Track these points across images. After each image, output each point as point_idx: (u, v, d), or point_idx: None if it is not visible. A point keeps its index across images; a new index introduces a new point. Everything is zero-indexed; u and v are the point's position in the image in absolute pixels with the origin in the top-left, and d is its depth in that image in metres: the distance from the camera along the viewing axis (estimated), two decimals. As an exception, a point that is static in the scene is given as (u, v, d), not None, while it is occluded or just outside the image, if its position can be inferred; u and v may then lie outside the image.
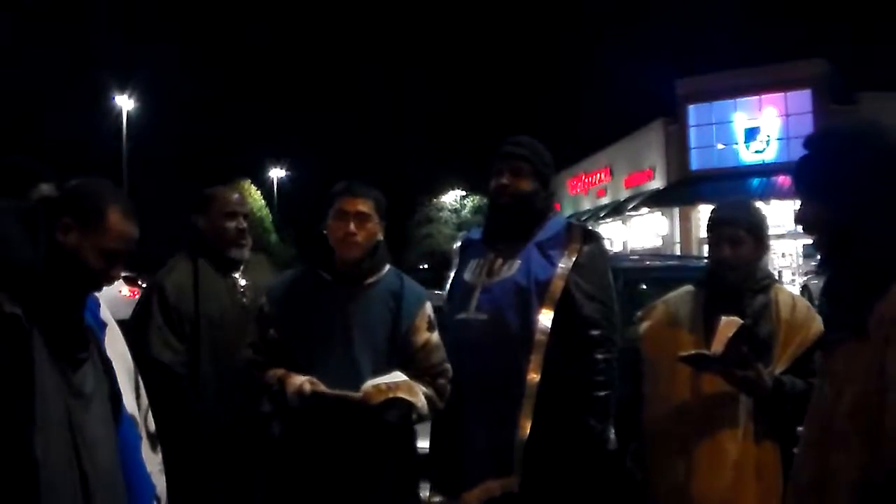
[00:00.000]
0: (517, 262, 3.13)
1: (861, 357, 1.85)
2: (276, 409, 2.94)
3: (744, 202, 3.21)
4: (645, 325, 3.18)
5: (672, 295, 3.20)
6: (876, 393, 1.80)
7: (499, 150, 3.25)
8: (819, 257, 2.04)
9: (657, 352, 3.06)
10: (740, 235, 2.92)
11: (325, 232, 3.00)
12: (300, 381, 2.81)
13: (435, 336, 3.05)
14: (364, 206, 2.95)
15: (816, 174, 1.97)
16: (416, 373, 2.94)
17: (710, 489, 2.85)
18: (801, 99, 28.48)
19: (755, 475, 2.82)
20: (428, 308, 3.06)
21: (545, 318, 3.03)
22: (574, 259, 3.10)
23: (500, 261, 3.18)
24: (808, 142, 2.03)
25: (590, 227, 3.35)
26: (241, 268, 3.63)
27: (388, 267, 3.07)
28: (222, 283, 3.55)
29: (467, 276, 3.25)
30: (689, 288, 3.16)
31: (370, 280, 3.01)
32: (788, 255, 28.99)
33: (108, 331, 2.43)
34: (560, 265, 3.09)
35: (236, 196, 3.74)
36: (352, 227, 2.91)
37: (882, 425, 1.77)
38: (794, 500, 2.07)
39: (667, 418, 2.97)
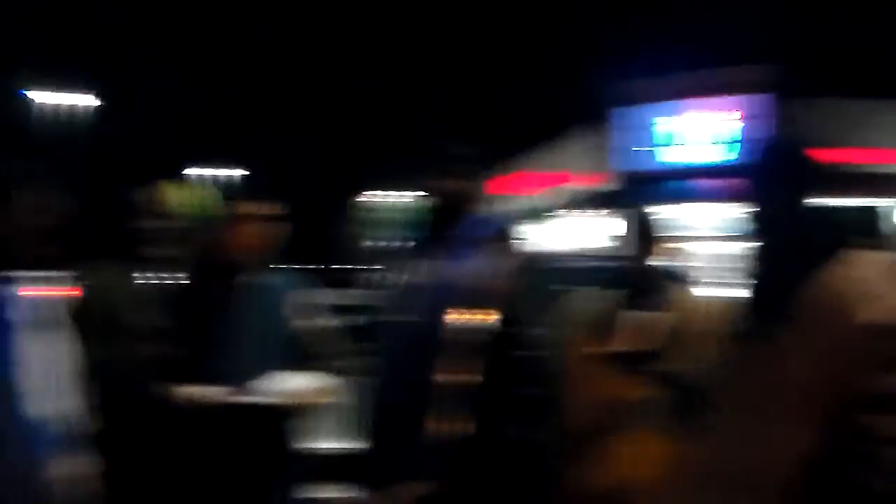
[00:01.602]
0: (443, 263, 3.17)
1: (795, 341, 2.01)
2: (182, 422, 2.99)
3: (638, 206, 3.30)
4: (558, 328, 3.28)
5: (581, 296, 3.31)
6: (817, 372, 1.95)
7: (428, 150, 3.31)
8: (757, 256, 2.20)
9: (570, 354, 3.16)
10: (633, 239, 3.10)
11: (213, 232, 3.08)
12: (217, 391, 2.87)
13: (314, 320, 3.25)
14: (268, 209, 3.10)
15: (779, 179, 2.15)
16: (302, 355, 3.18)
17: (631, 487, 2.93)
18: (743, 102, 28.75)
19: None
20: (302, 295, 3.24)
21: (465, 318, 3.04)
22: (493, 257, 3.14)
23: (428, 262, 3.23)
24: (769, 148, 2.25)
25: (505, 225, 3.40)
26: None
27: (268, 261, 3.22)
28: (139, 285, 3.55)
29: (397, 277, 3.30)
30: (596, 289, 3.27)
31: (254, 278, 3.12)
32: (704, 257, 29.33)
33: (23, 330, 2.40)
34: (480, 263, 3.12)
35: (159, 196, 3.74)
36: (262, 228, 3.06)
37: (826, 401, 1.92)
38: (718, 492, 2.11)
39: (584, 419, 3.09)
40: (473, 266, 3.13)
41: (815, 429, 1.94)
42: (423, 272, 3.21)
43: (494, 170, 39.22)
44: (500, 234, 3.26)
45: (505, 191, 39.24)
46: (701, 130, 29.72)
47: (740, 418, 2.10)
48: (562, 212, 32.52)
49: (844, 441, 1.92)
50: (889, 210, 22.49)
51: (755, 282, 2.23)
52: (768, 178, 2.15)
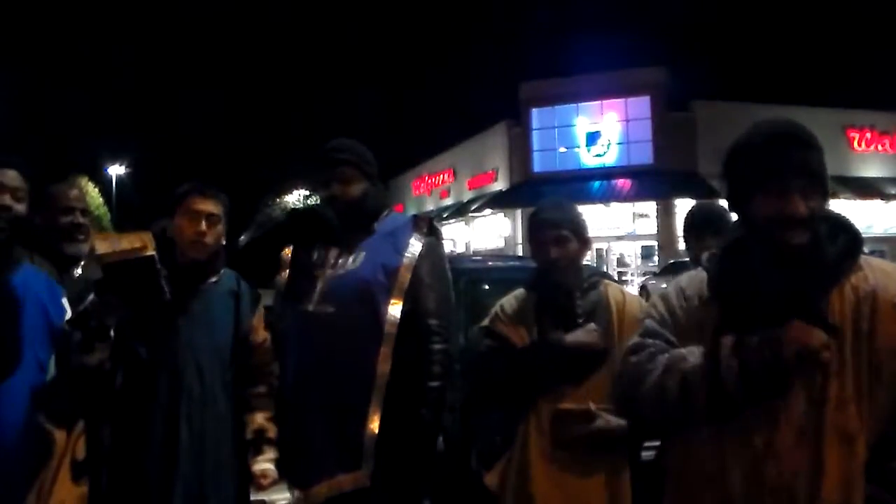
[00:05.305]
0: (361, 254, 3.12)
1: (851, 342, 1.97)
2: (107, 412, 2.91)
3: (562, 202, 3.19)
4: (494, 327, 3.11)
5: (505, 299, 3.19)
6: (867, 379, 1.94)
7: (322, 157, 3.24)
8: (797, 253, 2.02)
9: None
10: (565, 235, 2.99)
11: (166, 230, 3.03)
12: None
13: (268, 334, 3.20)
14: (215, 208, 3.04)
15: (821, 169, 2.02)
16: (251, 370, 3.10)
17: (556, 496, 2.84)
18: (640, 105, 29.29)
19: (604, 483, 2.80)
20: (262, 308, 3.21)
21: (394, 308, 3.02)
22: (419, 250, 3.12)
23: (340, 252, 3.15)
24: (800, 135, 2.04)
25: (433, 220, 3.37)
26: (82, 264, 3.51)
27: (224, 268, 3.14)
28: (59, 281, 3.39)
29: (307, 267, 3.18)
30: (519, 291, 3.16)
31: (211, 280, 3.08)
32: (628, 257, 29.85)
33: None
34: (407, 254, 3.11)
35: (74, 191, 3.62)
36: (203, 227, 2.99)
37: (877, 404, 1.94)
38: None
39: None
40: (393, 256, 3.11)
41: (880, 421, 1.95)
42: (335, 263, 3.13)
43: (411, 171, 39.31)
44: (421, 226, 3.21)
45: (422, 192, 39.35)
46: (619, 131, 30.28)
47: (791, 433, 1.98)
48: (482, 212, 32.89)
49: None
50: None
51: (752, 283, 2.07)
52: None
